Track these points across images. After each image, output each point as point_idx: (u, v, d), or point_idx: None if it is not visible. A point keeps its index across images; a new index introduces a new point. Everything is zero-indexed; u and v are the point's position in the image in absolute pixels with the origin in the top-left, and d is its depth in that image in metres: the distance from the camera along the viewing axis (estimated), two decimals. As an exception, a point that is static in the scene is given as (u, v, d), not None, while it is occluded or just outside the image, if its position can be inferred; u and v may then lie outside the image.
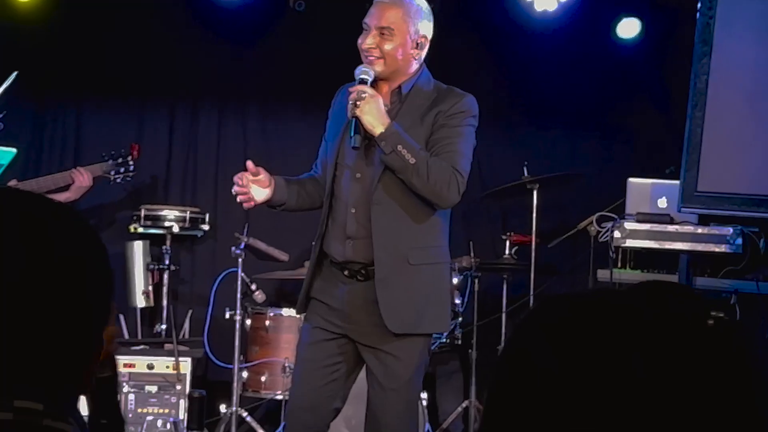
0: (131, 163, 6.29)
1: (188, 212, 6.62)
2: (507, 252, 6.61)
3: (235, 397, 5.96)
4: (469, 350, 6.43)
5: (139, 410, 5.83)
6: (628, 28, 7.09)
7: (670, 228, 5.58)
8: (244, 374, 6.08)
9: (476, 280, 6.36)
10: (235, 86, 7.16)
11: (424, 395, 5.85)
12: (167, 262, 6.50)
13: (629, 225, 5.62)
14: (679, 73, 6.09)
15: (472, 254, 6.37)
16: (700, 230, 5.55)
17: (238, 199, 4.09)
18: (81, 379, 1.43)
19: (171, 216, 6.57)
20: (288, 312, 6.07)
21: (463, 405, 6.50)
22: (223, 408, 6.09)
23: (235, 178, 4.08)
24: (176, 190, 7.11)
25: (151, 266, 6.45)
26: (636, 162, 6.84)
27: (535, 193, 6.35)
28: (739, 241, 5.46)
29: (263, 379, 6.07)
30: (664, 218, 5.64)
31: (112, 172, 6.25)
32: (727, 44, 5.44)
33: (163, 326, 6.46)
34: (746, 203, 5.39)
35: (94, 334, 1.43)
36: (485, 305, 6.62)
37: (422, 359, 4.07)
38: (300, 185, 4.23)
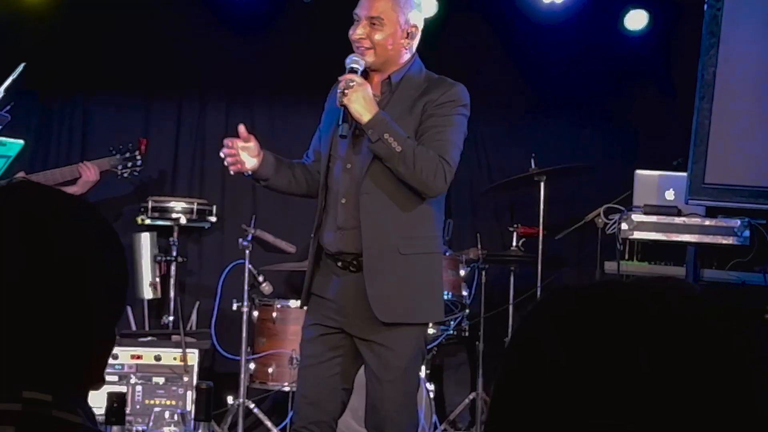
0: (138, 157, 6.30)
1: (195, 204, 6.64)
2: (514, 244, 6.62)
3: (242, 389, 5.97)
4: (476, 342, 6.43)
5: (147, 402, 5.83)
6: (636, 19, 7.08)
7: (678, 220, 5.58)
8: (252, 366, 6.09)
9: (483, 272, 6.36)
10: (242, 78, 7.16)
11: (431, 387, 5.86)
12: (174, 253, 6.51)
13: (636, 217, 5.61)
14: (686, 65, 6.07)
15: (479, 246, 6.37)
16: (707, 222, 5.54)
17: (226, 162, 4.09)
18: (87, 374, 1.43)
19: (178, 207, 6.58)
20: (295, 303, 6.07)
21: (470, 397, 6.51)
22: (230, 399, 6.11)
23: (226, 141, 4.08)
24: (184, 182, 7.12)
25: (159, 258, 6.46)
26: (643, 154, 6.83)
27: (542, 185, 6.35)
28: (747, 233, 5.46)
29: (270, 370, 6.07)
30: (671, 210, 5.64)
31: (120, 167, 6.27)
32: (734, 36, 5.43)
33: (171, 318, 6.47)
34: (754, 195, 5.39)
35: (98, 332, 1.42)
36: (492, 297, 6.62)
37: (417, 349, 4.07)
38: (289, 167, 4.24)
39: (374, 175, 3.98)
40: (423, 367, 6.00)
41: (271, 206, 6.86)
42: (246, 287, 6.01)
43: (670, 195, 5.82)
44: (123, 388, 5.72)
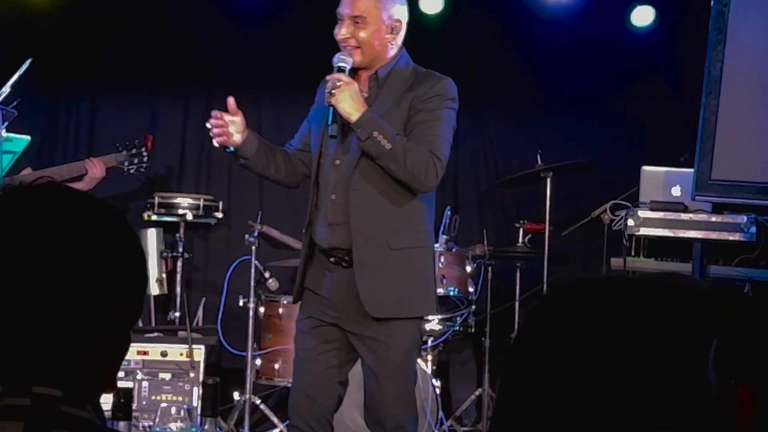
0: (145, 154, 6.30)
1: (202, 200, 6.64)
2: (520, 240, 6.61)
3: (248, 385, 5.98)
4: (483, 338, 6.43)
5: (153, 398, 5.84)
6: (642, 15, 7.07)
7: (684, 216, 5.57)
8: (258, 362, 6.10)
9: (489, 268, 6.36)
10: (249, 73, 7.15)
11: (437, 383, 5.86)
12: (181, 249, 6.52)
13: (643, 213, 5.61)
14: (693, 61, 6.07)
15: (485, 242, 6.37)
16: (714, 218, 5.54)
17: (211, 133, 4.09)
18: (93, 373, 1.43)
19: (185, 204, 6.59)
20: (301, 300, 6.08)
21: (477, 393, 6.51)
22: (236, 395, 6.11)
23: (214, 113, 4.09)
24: (190, 178, 7.13)
25: (165, 254, 6.46)
26: (650, 150, 6.82)
27: (548, 181, 6.34)
28: (753, 229, 5.45)
29: (276, 366, 6.08)
30: (677, 206, 5.63)
31: (126, 163, 6.27)
32: (741, 32, 5.42)
33: (177, 314, 6.48)
34: (760, 192, 5.38)
35: (99, 332, 1.41)
36: (498, 293, 6.62)
37: (412, 343, 4.08)
38: (271, 152, 4.26)
39: (363, 171, 3.99)
40: (429, 363, 6.01)
41: (278, 202, 6.85)
42: (252, 283, 6.02)
43: (676, 191, 5.82)
44: (129, 384, 5.73)
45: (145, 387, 5.88)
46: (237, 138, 4.09)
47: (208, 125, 4.10)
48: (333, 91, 3.90)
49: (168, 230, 6.65)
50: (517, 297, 6.52)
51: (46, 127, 6.95)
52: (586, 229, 6.38)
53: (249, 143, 4.14)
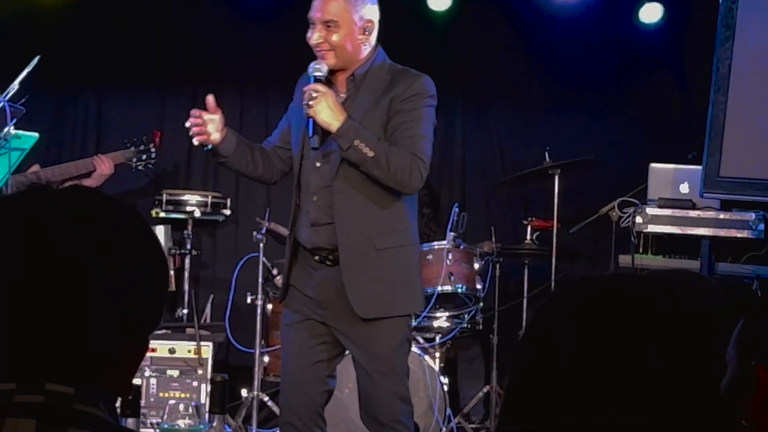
0: (153, 150, 6.31)
1: (210, 197, 6.65)
2: (528, 237, 6.60)
3: (256, 382, 5.98)
4: (490, 335, 6.43)
5: (161, 394, 5.85)
6: (651, 12, 7.05)
7: (692, 213, 5.57)
8: (266, 359, 6.10)
9: (497, 266, 6.36)
10: (256, 69, 7.16)
11: (445, 380, 5.86)
12: (189, 246, 6.52)
13: (651, 210, 5.61)
14: (701, 58, 6.06)
15: (493, 239, 6.36)
16: (722, 216, 5.53)
17: (191, 132, 4.10)
18: (99, 372, 1.42)
19: (192, 201, 6.59)
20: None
21: (484, 390, 6.50)
22: (244, 392, 6.11)
23: (193, 111, 4.10)
24: (198, 175, 7.13)
25: (173, 251, 6.47)
26: (658, 147, 6.81)
27: (556, 178, 6.33)
28: (761, 226, 5.44)
29: (284, 363, 6.08)
30: (686, 203, 5.63)
31: (134, 159, 6.28)
32: (750, 28, 5.41)
33: (185, 311, 6.48)
34: (768, 189, 5.37)
35: (99, 332, 1.41)
36: (506, 290, 6.61)
37: (401, 338, 4.09)
38: (249, 149, 4.27)
39: (345, 174, 4.01)
40: (437, 360, 6.01)
41: (286, 199, 6.79)
42: (260, 280, 6.02)
43: (684, 188, 5.81)
44: (137, 381, 5.73)
45: (153, 384, 5.89)
46: (215, 136, 4.11)
47: (187, 124, 4.11)
48: (310, 103, 3.91)
49: (176, 227, 6.66)
50: (525, 294, 6.51)
51: (54, 124, 6.97)
52: (594, 226, 6.37)
53: (227, 142, 4.15)
